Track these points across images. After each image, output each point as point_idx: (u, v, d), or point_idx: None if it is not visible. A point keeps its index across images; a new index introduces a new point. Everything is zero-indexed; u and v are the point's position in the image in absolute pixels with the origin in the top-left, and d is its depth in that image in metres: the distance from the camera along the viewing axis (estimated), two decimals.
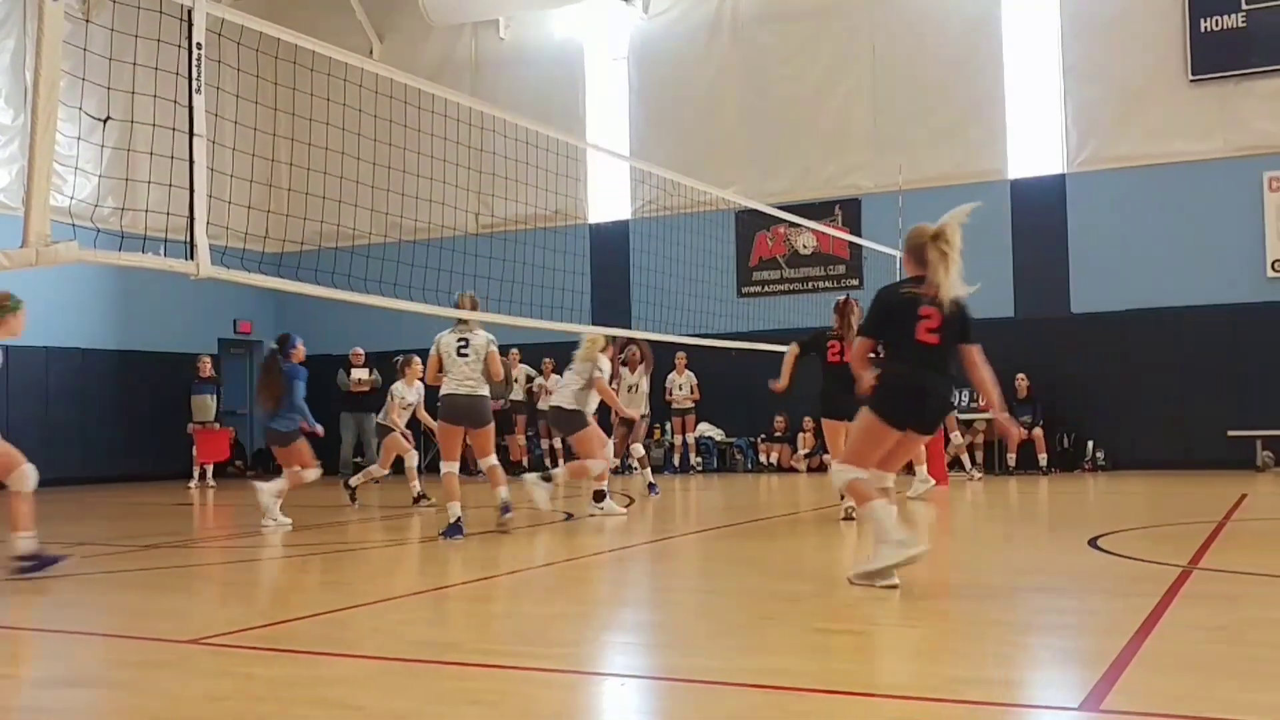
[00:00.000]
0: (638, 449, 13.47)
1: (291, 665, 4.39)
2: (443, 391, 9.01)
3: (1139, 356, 16.27)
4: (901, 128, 17.79)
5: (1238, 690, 3.74)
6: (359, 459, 16.42)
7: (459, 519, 8.54)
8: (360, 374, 16.68)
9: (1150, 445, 16.07)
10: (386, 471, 12.18)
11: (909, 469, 11.90)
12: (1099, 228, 16.66)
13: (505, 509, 8.97)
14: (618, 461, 18.38)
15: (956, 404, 11.35)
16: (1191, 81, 16.25)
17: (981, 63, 17.47)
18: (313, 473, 10.11)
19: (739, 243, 18.47)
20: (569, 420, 10.44)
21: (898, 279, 6.33)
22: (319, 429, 10.55)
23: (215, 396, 17.12)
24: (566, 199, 16.82)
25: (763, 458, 18.03)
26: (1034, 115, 17.32)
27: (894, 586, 5.59)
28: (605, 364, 10.54)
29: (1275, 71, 15.89)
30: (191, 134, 6.14)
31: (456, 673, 4.24)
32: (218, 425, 17.17)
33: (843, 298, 10.19)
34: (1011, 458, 16.15)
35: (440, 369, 8.97)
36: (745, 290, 18.60)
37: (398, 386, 12.35)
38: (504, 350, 17.54)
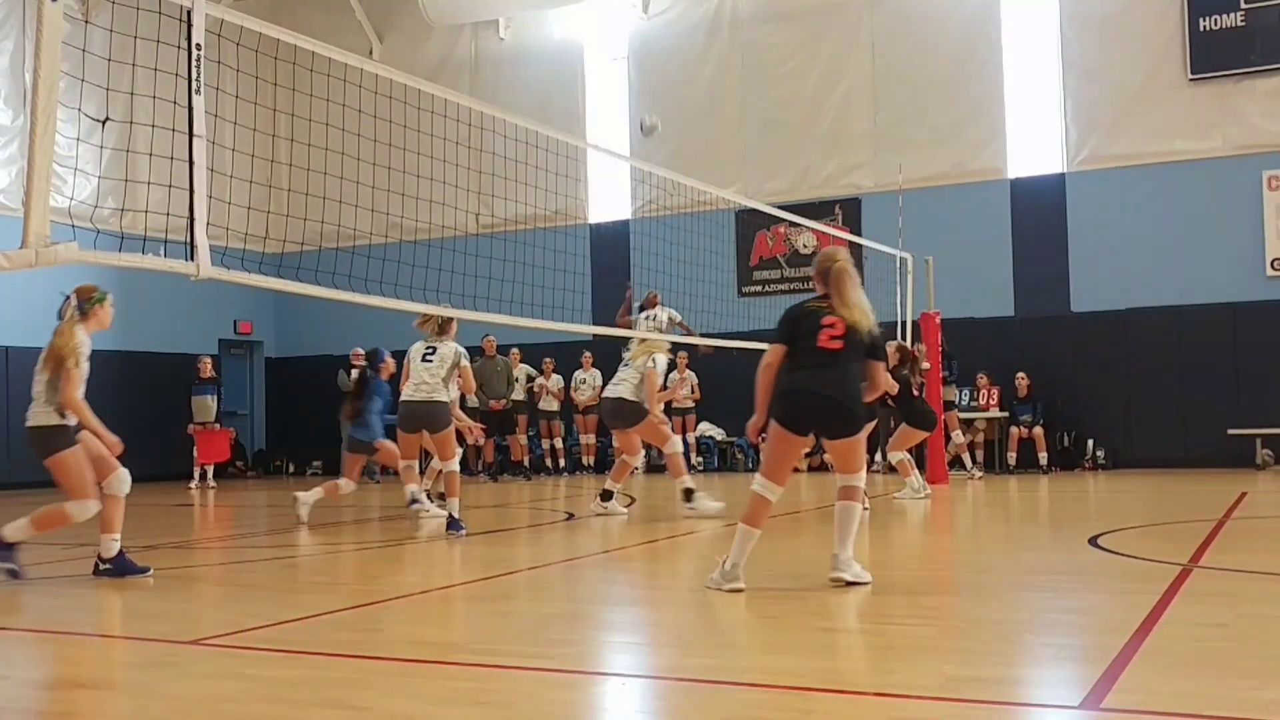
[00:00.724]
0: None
1: (294, 666, 4.39)
2: (401, 397, 9.34)
3: (1139, 355, 16.27)
4: (901, 127, 17.80)
5: (1238, 688, 3.74)
6: None
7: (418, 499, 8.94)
8: None
9: (1150, 444, 16.08)
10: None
11: (892, 468, 11.92)
12: (1098, 227, 16.66)
13: (452, 524, 8.95)
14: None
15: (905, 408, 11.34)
16: (1191, 80, 16.25)
17: (981, 62, 17.47)
18: (350, 486, 10.11)
19: (739, 242, 18.47)
20: (630, 412, 10.29)
21: (897, 278, 6.37)
22: (380, 444, 10.50)
23: (215, 397, 17.12)
24: (567, 199, 16.85)
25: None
26: (1033, 114, 17.32)
27: (738, 590, 5.65)
28: (662, 359, 10.44)
29: (1274, 70, 15.89)
30: (191, 135, 6.13)
31: (460, 673, 4.24)
32: (218, 426, 17.17)
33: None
34: (1012, 457, 16.17)
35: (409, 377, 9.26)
36: (746, 290, 18.61)
37: None
38: (504, 350, 17.71)
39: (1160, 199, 16.41)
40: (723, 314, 15.99)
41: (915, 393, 11.76)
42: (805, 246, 18.38)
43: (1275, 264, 15.81)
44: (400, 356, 12.51)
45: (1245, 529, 8.59)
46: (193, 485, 16.61)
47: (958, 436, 15.29)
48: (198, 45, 6.04)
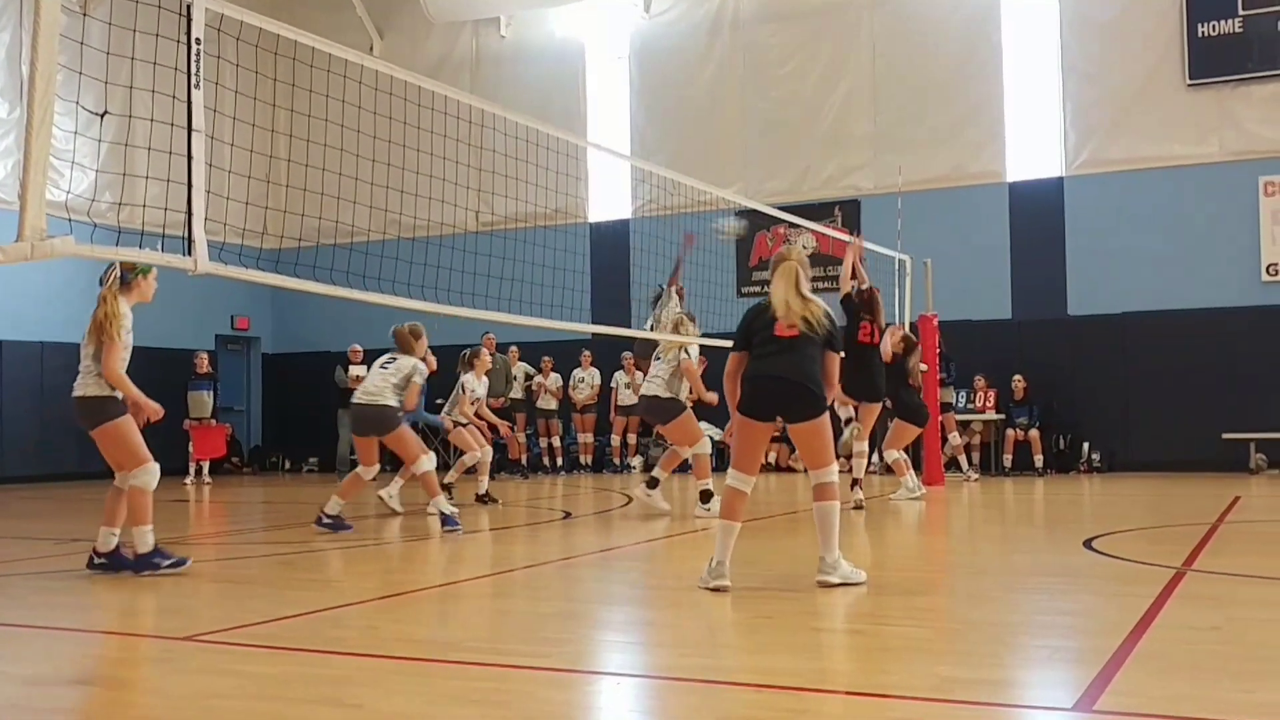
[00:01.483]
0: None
1: (288, 663, 4.39)
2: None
3: (1135, 359, 16.29)
4: (901, 129, 17.80)
5: (1231, 690, 3.75)
6: (355, 455, 16.38)
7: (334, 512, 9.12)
8: (358, 371, 16.64)
9: (1146, 447, 16.09)
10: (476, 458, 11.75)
11: (889, 468, 11.93)
12: (1096, 230, 16.67)
13: (446, 521, 9.01)
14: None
15: (889, 400, 11.42)
16: (1189, 85, 16.26)
17: (981, 64, 17.47)
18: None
19: (739, 243, 18.44)
20: (664, 408, 10.29)
21: (895, 281, 6.42)
22: (434, 420, 11.11)
23: (212, 393, 17.09)
24: (567, 198, 16.80)
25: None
26: (1033, 118, 17.33)
27: (724, 588, 5.68)
28: (694, 349, 10.45)
29: (1271, 76, 15.90)
30: (190, 129, 6.13)
31: (454, 671, 4.24)
32: (214, 422, 17.15)
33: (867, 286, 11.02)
34: (1008, 459, 16.17)
35: None
36: (745, 290, 18.59)
37: (468, 379, 11.94)
38: (503, 348, 17.68)
39: (1157, 203, 16.42)
40: (723, 314, 15.99)
41: (911, 383, 11.72)
42: (805, 248, 18.36)
43: (1270, 269, 15.83)
44: (466, 350, 12.35)
45: (1238, 533, 8.60)
46: (188, 481, 16.59)
47: (954, 438, 15.29)
48: (197, 40, 6.03)
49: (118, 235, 6.15)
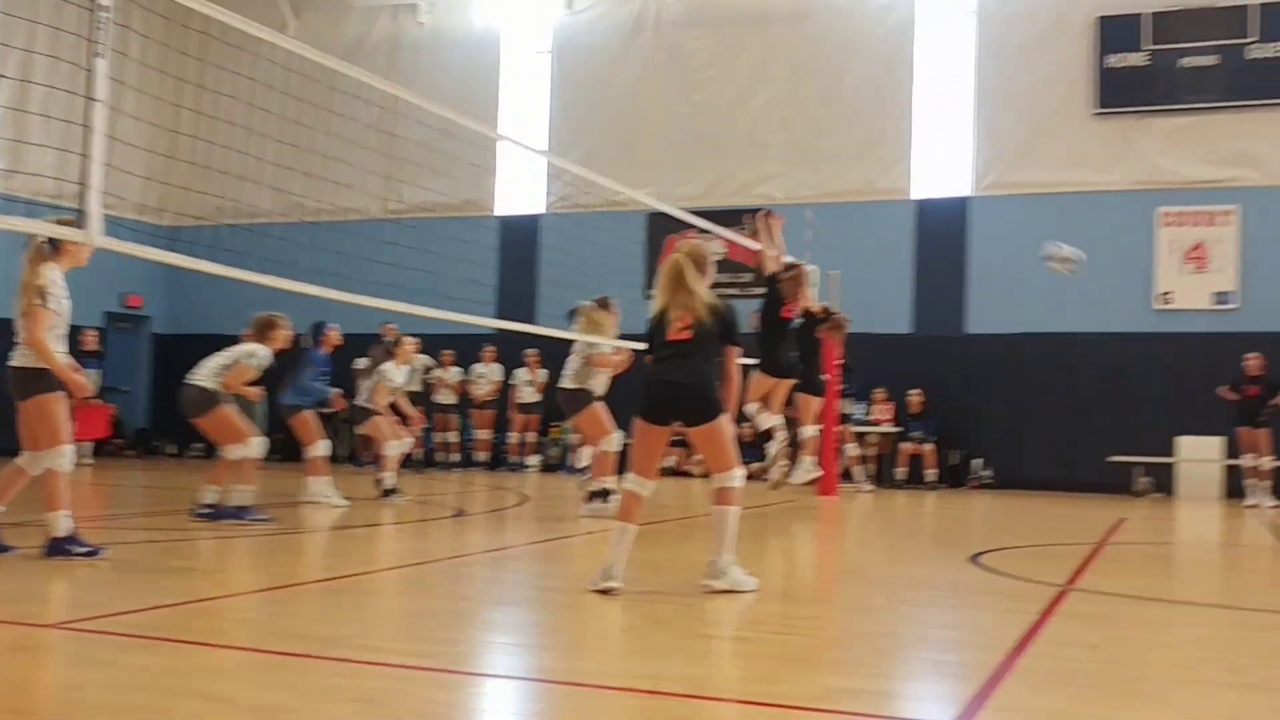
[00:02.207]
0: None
1: (159, 654, 4.23)
2: None
3: (1029, 379, 16.68)
4: (814, 142, 17.97)
5: (1109, 708, 3.82)
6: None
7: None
8: None
9: (1036, 466, 16.48)
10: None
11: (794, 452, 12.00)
12: (998, 251, 17.03)
13: (232, 514, 8.84)
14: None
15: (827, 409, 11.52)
16: (1095, 114, 16.72)
17: (895, 83, 17.73)
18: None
19: (649, 245, 18.46)
20: (572, 399, 10.10)
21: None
22: (330, 395, 10.96)
23: (98, 372, 16.53)
24: (478, 189, 16.65)
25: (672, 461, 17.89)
26: (943, 138, 17.65)
27: (613, 589, 5.65)
28: (605, 346, 10.21)
29: (1173, 110, 16.43)
30: (89, 99, 5.90)
31: (333, 668, 4.12)
32: (99, 401, 16.58)
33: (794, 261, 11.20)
34: (902, 472, 16.43)
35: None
36: (651, 293, 18.59)
37: (388, 368, 11.52)
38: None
39: (1059, 228, 16.72)
40: (630, 314, 15.99)
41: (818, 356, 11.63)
42: (714, 254, 18.43)
43: (1163, 297, 16.35)
44: (382, 333, 11.96)
45: (1121, 554, 8.85)
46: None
47: (850, 449, 15.49)
48: (103, 6, 5.81)
49: (6, 204, 5.89)
